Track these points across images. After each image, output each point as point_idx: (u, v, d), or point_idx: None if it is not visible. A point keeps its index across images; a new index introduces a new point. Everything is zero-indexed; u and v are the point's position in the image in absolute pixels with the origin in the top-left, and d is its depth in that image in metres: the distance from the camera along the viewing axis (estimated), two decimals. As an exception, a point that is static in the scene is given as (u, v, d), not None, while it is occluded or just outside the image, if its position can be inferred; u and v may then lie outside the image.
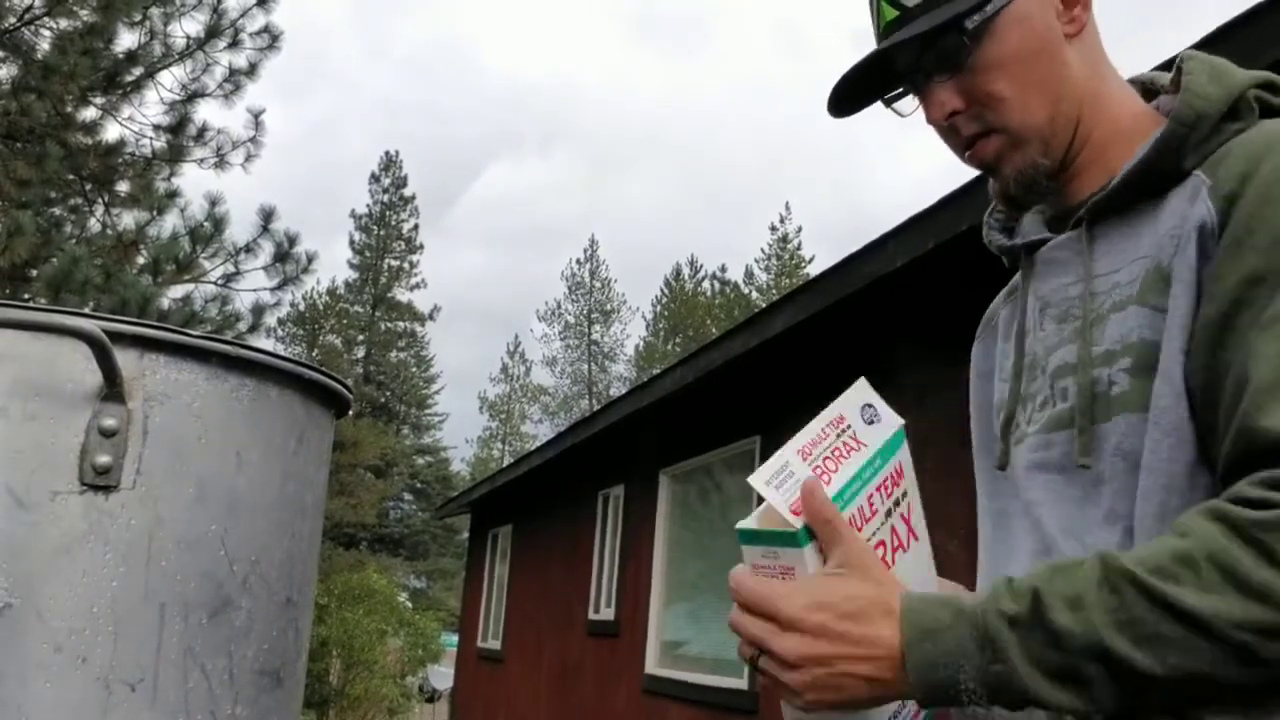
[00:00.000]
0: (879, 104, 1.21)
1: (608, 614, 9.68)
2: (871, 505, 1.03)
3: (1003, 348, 1.26)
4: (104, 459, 0.83)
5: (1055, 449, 1.11)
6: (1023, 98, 1.12)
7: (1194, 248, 1.00)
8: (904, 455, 1.09)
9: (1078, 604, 0.88)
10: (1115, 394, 1.05)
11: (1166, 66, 1.19)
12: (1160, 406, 1.00)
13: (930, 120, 1.16)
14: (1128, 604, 0.87)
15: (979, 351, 1.31)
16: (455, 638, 18.69)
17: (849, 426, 1.05)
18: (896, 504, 1.06)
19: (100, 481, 0.83)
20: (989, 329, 1.31)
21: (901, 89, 1.18)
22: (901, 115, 1.20)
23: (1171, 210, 1.06)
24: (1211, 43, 3.26)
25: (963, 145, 1.16)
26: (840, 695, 0.94)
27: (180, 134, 10.51)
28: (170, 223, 10.03)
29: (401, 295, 43.12)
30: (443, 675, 22.49)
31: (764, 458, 7.35)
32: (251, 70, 10.43)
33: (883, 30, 1.15)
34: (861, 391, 1.08)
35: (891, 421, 1.08)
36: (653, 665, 8.50)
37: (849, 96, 1.19)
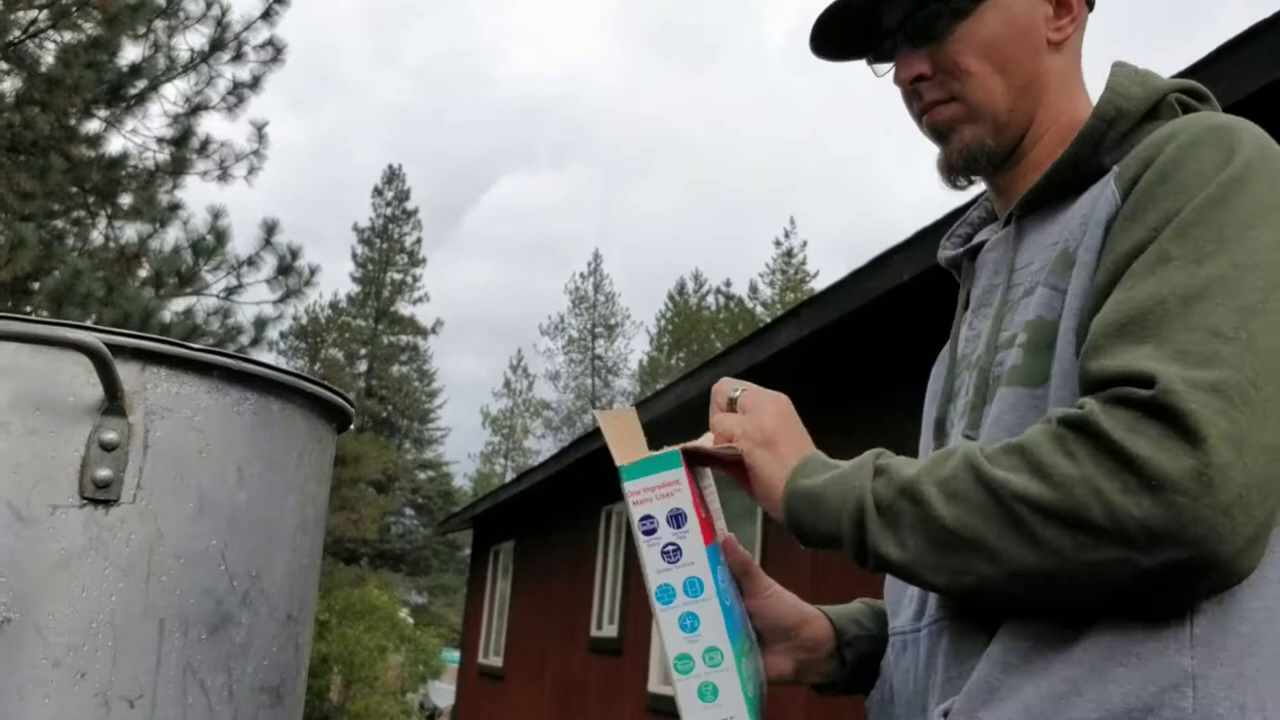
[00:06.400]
0: (853, 59, 1.26)
1: (610, 631, 9.65)
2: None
3: (946, 356, 1.28)
4: (104, 473, 0.82)
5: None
6: (988, 78, 1.16)
7: (1100, 231, 1.03)
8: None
9: (917, 465, 0.99)
10: (1005, 370, 1.09)
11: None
12: (1052, 385, 1.03)
13: (897, 80, 1.21)
14: (950, 467, 0.95)
15: (934, 371, 1.33)
16: (456, 654, 18.64)
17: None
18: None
19: (100, 495, 0.82)
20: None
21: (881, 49, 1.23)
22: (877, 75, 1.24)
23: (1085, 200, 1.09)
24: (1204, 67, 3.27)
25: (921, 110, 1.20)
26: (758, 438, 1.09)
27: (183, 146, 10.53)
28: (173, 235, 10.06)
29: (404, 309, 43.15)
30: (444, 692, 22.43)
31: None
32: (255, 83, 10.47)
33: None
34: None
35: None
36: (656, 684, 8.47)
37: (833, 40, 1.24)
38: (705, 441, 1.10)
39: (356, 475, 31.76)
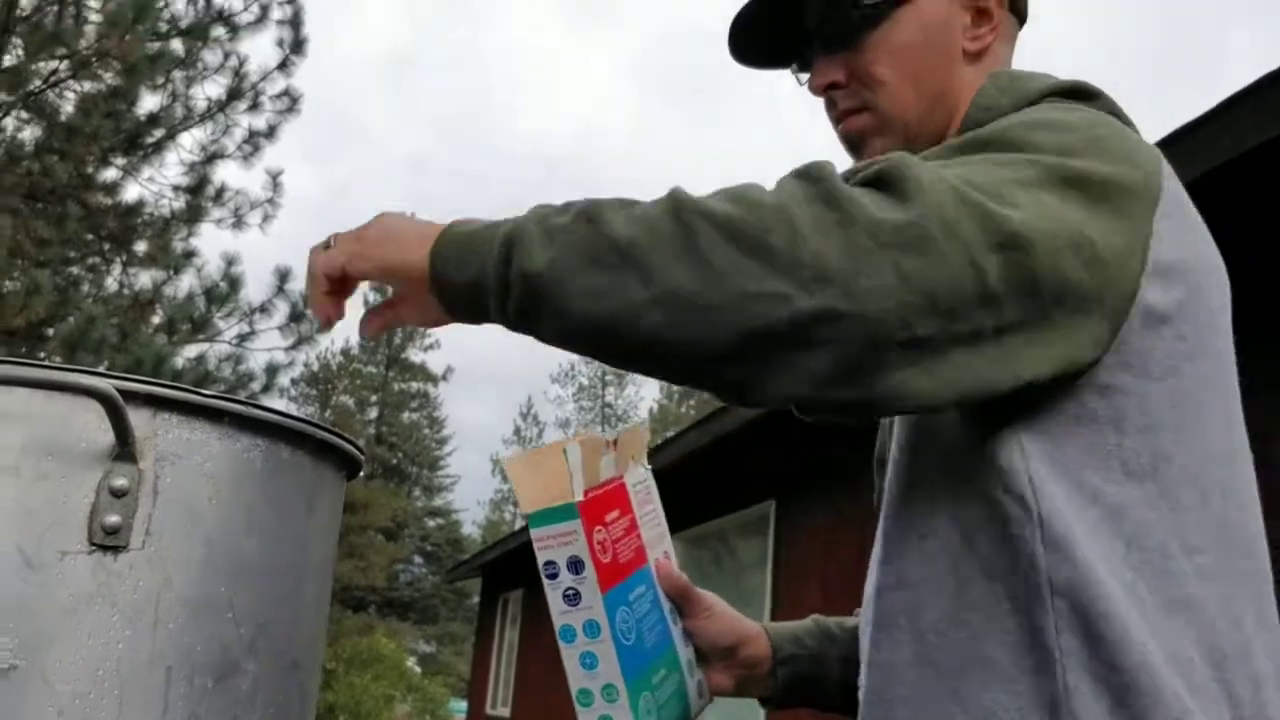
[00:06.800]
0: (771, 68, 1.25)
1: (618, 680, 9.58)
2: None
3: None
4: (114, 519, 0.82)
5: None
6: (900, 87, 1.13)
7: None
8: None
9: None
10: None
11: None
12: None
13: (811, 87, 1.19)
14: (652, 201, 0.88)
15: None
16: (464, 704, 18.49)
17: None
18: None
19: (109, 541, 0.82)
20: None
21: (804, 57, 1.21)
22: (800, 83, 1.22)
23: None
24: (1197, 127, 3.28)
25: (837, 118, 1.18)
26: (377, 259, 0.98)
27: (199, 194, 10.63)
28: (186, 282, 10.13)
29: (415, 356, 43.23)
30: (450, 741, 22.22)
31: (779, 521, 7.24)
32: (271, 132, 10.58)
33: None
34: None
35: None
36: (663, 733, 8.39)
37: (753, 45, 1.23)
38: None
39: (365, 522, 31.70)
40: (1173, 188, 0.98)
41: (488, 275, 0.90)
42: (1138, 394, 0.92)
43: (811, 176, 0.84)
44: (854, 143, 1.17)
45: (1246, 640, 0.91)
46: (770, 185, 0.87)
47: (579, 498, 1.04)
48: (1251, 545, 0.96)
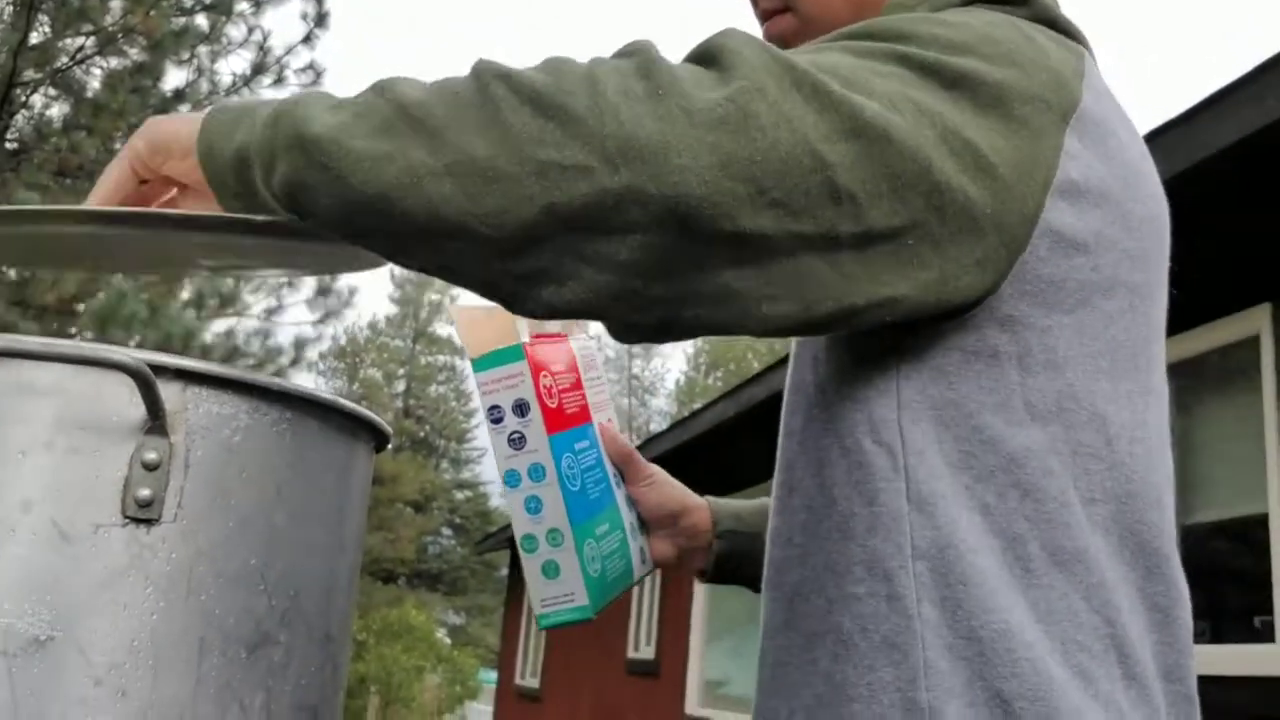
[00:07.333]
0: None
1: (648, 652, 9.62)
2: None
3: None
4: (146, 492, 0.83)
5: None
6: None
7: None
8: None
9: None
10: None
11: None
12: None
13: None
14: (459, 75, 0.77)
15: None
16: (494, 675, 18.65)
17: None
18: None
19: (142, 515, 0.83)
20: None
21: None
22: None
23: None
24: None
25: (761, 17, 1.09)
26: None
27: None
28: (215, 258, 10.15)
29: (442, 329, 43.41)
30: (481, 713, 22.43)
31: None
32: (296, 107, 10.57)
33: None
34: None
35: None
36: (694, 706, 8.43)
37: None
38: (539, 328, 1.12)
39: (394, 495, 31.91)
40: (1097, 105, 0.88)
41: (255, 139, 0.78)
42: (1042, 327, 0.83)
43: (628, 50, 0.75)
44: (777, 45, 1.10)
45: (1138, 593, 0.86)
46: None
47: (525, 339, 1.04)
48: (1160, 495, 0.89)
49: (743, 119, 0.70)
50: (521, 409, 1.04)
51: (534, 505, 1.06)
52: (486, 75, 0.74)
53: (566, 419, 1.10)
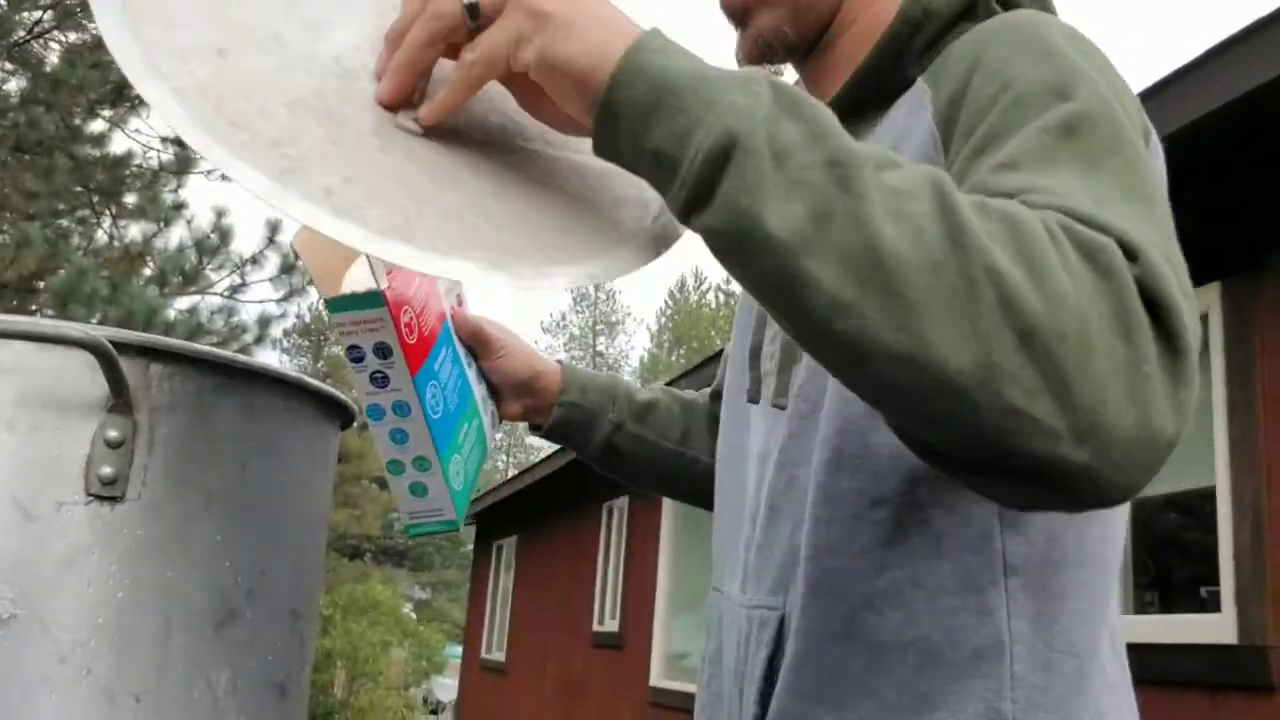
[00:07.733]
0: None
1: (612, 626, 9.66)
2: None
3: None
4: (109, 470, 0.82)
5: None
6: None
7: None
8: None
9: (843, 131, 0.68)
10: None
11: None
12: None
13: None
14: (906, 174, 0.66)
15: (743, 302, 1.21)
16: (459, 649, 18.67)
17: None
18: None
19: (106, 492, 0.82)
20: None
21: None
22: None
23: (891, 123, 0.95)
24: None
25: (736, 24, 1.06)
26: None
27: (187, 146, 10.51)
28: (177, 234, 10.08)
29: (407, 307, 43.09)
30: (447, 687, 22.45)
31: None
32: (259, 82, 10.44)
33: None
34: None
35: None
36: (658, 678, 8.48)
37: None
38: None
39: (359, 472, 31.75)
40: None
41: (685, 168, 0.67)
42: None
43: (1103, 265, 0.64)
44: (736, 15, 1.04)
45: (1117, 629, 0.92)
46: (1034, 218, 0.65)
47: (383, 285, 1.00)
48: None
49: (1185, 399, 0.65)
50: (383, 351, 1.03)
51: (399, 437, 1.07)
52: (969, 251, 0.63)
53: (426, 342, 1.08)
